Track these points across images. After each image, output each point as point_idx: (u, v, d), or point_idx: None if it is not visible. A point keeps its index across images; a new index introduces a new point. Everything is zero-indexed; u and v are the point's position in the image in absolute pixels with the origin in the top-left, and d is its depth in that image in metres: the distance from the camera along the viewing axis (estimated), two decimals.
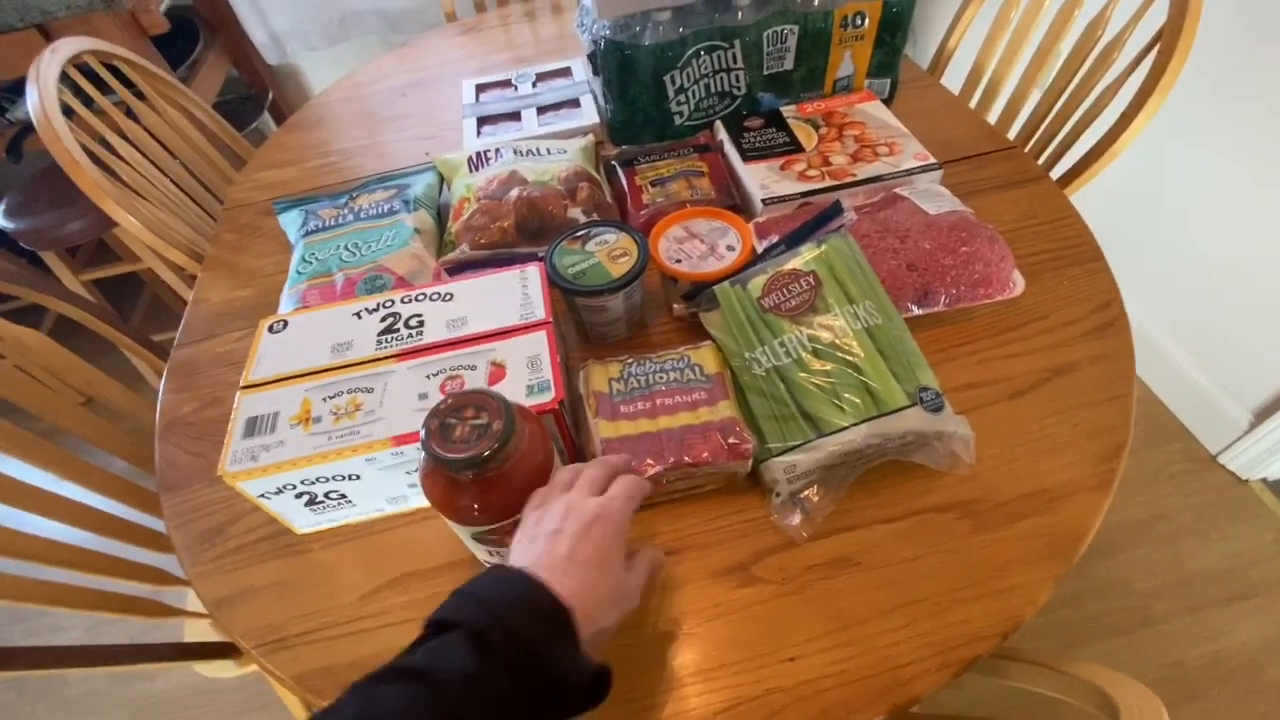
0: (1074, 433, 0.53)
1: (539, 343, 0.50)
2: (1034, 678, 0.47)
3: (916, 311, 0.59)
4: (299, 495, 0.49)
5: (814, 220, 0.60)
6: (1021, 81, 0.91)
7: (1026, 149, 0.89)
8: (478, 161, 0.74)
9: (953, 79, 0.98)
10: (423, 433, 0.38)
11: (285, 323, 0.56)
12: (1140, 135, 0.76)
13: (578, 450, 0.52)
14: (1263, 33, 0.98)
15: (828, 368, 0.50)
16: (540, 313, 0.53)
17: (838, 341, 0.51)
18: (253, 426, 0.48)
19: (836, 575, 0.47)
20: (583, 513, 0.37)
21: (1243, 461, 1.16)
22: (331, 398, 0.49)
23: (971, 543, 0.48)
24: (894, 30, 0.78)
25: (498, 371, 0.49)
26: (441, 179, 0.79)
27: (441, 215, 0.74)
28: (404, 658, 0.31)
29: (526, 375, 0.48)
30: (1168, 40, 0.72)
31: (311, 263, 0.64)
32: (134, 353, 0.87)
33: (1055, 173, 0.84)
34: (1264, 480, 1.17)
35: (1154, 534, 1.13)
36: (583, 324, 0.63)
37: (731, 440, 0.48)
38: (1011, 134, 0.93)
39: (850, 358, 0.50)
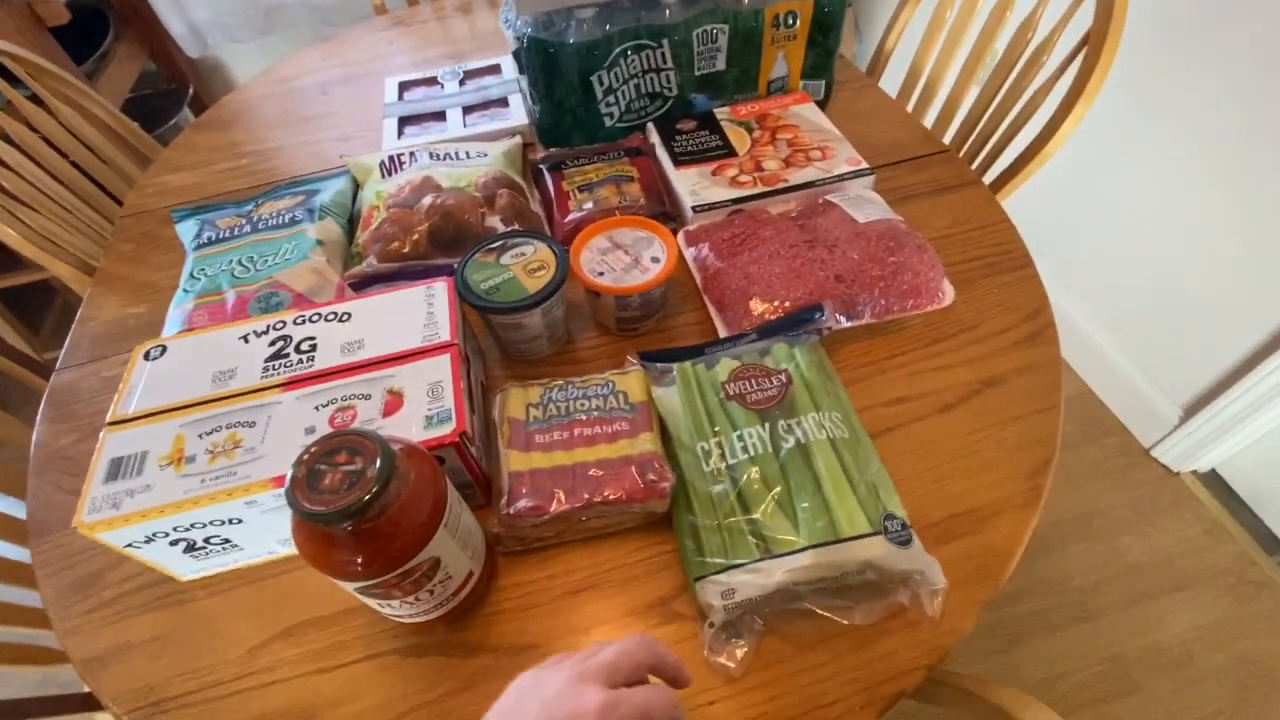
0: (1002, 448, 0.52)
1: (442, 368, 0.47)
2: (960, 703, 0.45)
3: (845, 324, 0.57)
4: (175, 543, 0.44)
5: (793, 317, 0.56)
6: (957, 83, 0.91)
7: (961, 152, 0.89)
8: (390, 166, 0.69)
9: (891, 81, 0.97)
10: (287, 482, 0.34)
11: (164, 348, 0.50)
12: (1073, 136, 0.76)
13: (487, 481, 0.49)
14: (1185, 34, 1.00)
15: (788, 476, 0.44)
16: (445, 334, 0.49)
17: (802, 448, 0.45)
18: (117, 468, 0.43)
19: None
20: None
21: (1174, 455, 1.19)
22: (208, 434, 0.45)
23: None
24: (826, 31, 0.76)
25: (394, 400, 0.45)
26: (356, 184, 0.74)
27: (353, 224, 0.69)
28: None
29: (426, 404, 0.45)
30: (1094, 43, 0.72)
31: (200, 279, 0.59)
32: (20, 376, 0.79)
33: (989, 176, 0.84)
34: (1194, 472, 1.20)
35: (1092, 529, 1.15)
36: (502, 342, 0.59)
37: (650, 477, 0.45)
38: (947, 137, 0.93)
39: (812, 468, 0.45)
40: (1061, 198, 1.25)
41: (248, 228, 0.63)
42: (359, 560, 0.35)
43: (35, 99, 0.90)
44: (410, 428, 0.43)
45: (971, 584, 0.45)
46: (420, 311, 0.51)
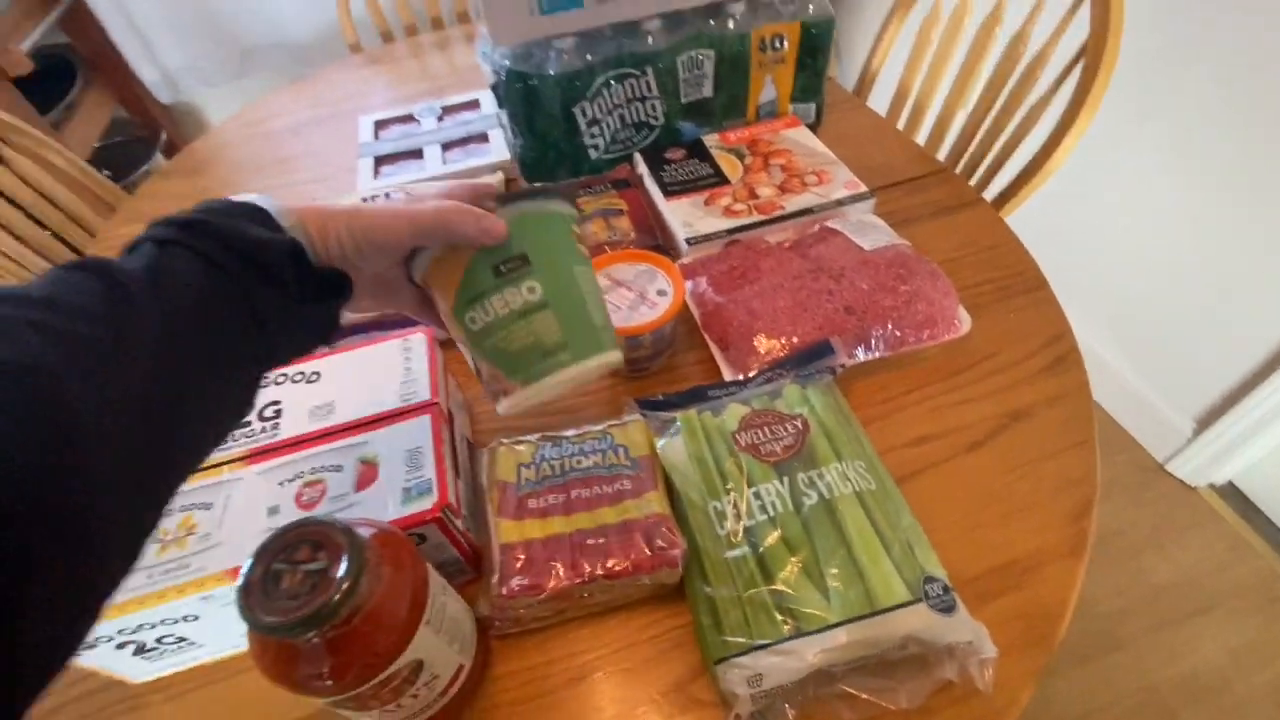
0: (1039, 489, 0.47)
1: (421, 432, 0.42)
2: None
3: (861, 358, 0.53)
4: (121, 646, 0.39)
5: (802, 355, 0.52)
6: (947, 101, 0.89)
7: (958, 170, 0.86)
8: None
9: (879, 100, 0.95)
10: (239, 585, 0.29)
11: None
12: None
13: (476, 554, 0.44)
14: (1183, 41, 0.99)
15: (813, 537, 0.40)
16: (425, 392, 0.44)
17: (827, 504, 0.41)
18: None
19: None
20: None
21: (1190, 469, 1.16)
22: None
23: None
24: (815, 53, 0.74)
25: (368, 472, 0.40)
26: None
27: None
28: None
29: (404, 475, 0.40)
30: (1092, 54, 0.70)
31: None
32: None
33: (989, 193, 0.81)
34: (1211, 486, 1.16)
35: (1113, 549, 1.11)
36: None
37: (659, 544, 0.40)
38: (941, 155, 0.91)
39: (840, 528, 0.40)
40: (1058, 210, 1.23)
41: None
42: (327, 674, 0.30)
43: None
44: (386, 503, 0.39)
45: (1022, 649, 0.40)
46: (397, 367, 0.46)
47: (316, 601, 0.28)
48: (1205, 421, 1.11)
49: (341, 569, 0.29)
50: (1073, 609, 0.42)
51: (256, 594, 0.28)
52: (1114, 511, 1.15)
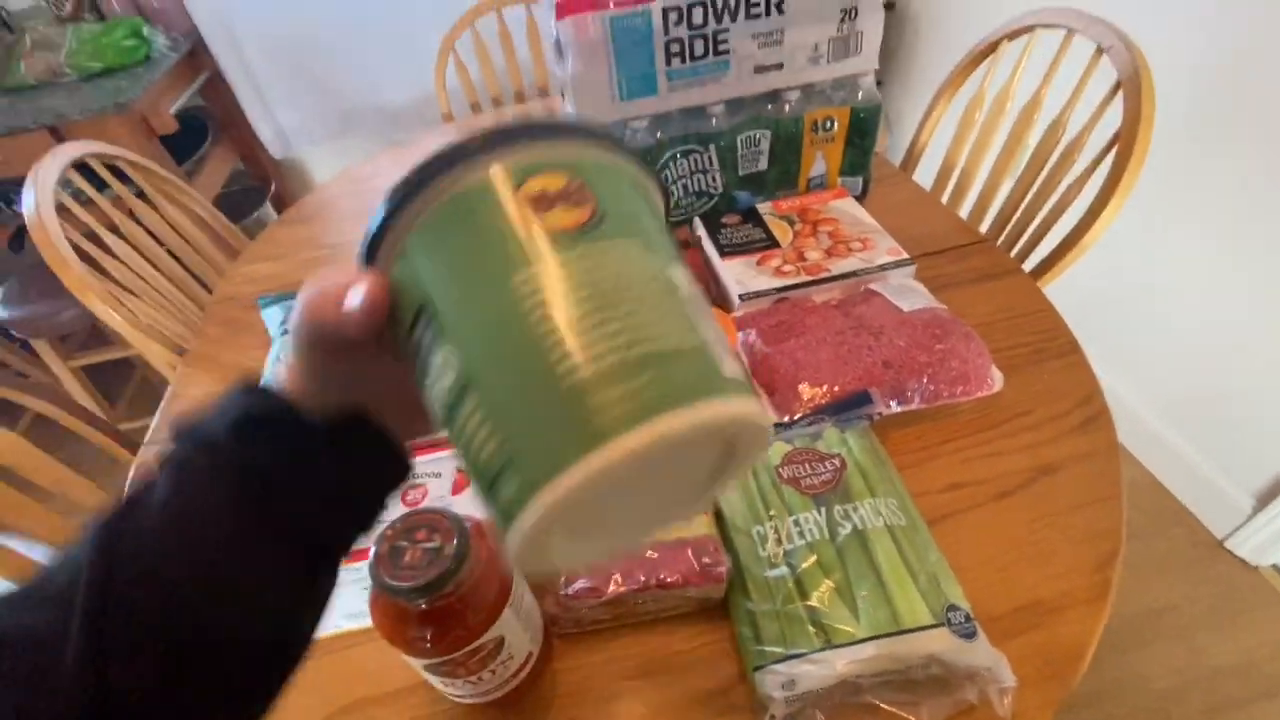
0: (1065, 538, 0.51)
1: None
2: None
3: (895, 409, 0.58)
4: None
5: (842, 402, 0.57)
6: (990, 177, 0.94)
7: (998, 242, 0.91)
8: None
9: (925, 174, 1.02)
10: (370, 557, 0.36)
11: None
12: (1117, 220, 0.78)
13: None
14: (1220, 112, 1.03)
15: (846, 563, 0.44)
16: None
17: (860, 535, 0.46)
18: None
19: None
20: None
21: (1251, 547, 1.12)
22: None
23: None
24: (862, 134, 0.82)
25: (462, 480, 0.48)
26: None
27: None
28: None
29: None
30: (1124, 144, 0.75)
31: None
32: (108, 448, 0.85)
33: (1028, 265, 0.86)
34: (1275, 566, 1.12)
35: (1166, 626, 1.07)
36: None
37: (706, 561, 0.45)
38: (983, 228, 0.96)
39: (871, 556, 0.45)
40: (1108, 280, 1.25)
41: None
42: (430, 638, 0.36)
43: (142, 195, 1.01)
44: (476, 507, 0.45)
45: (1042, 683, 0.43)
46: None
47: (432, 572, 0.35)
48: (1265, 498, 1.08)
49: (452, 548, 0.35)
50: (1092, 651, 0.45)
51: (385, 564, 0.35)
52: (1168, 587, 1.12)
